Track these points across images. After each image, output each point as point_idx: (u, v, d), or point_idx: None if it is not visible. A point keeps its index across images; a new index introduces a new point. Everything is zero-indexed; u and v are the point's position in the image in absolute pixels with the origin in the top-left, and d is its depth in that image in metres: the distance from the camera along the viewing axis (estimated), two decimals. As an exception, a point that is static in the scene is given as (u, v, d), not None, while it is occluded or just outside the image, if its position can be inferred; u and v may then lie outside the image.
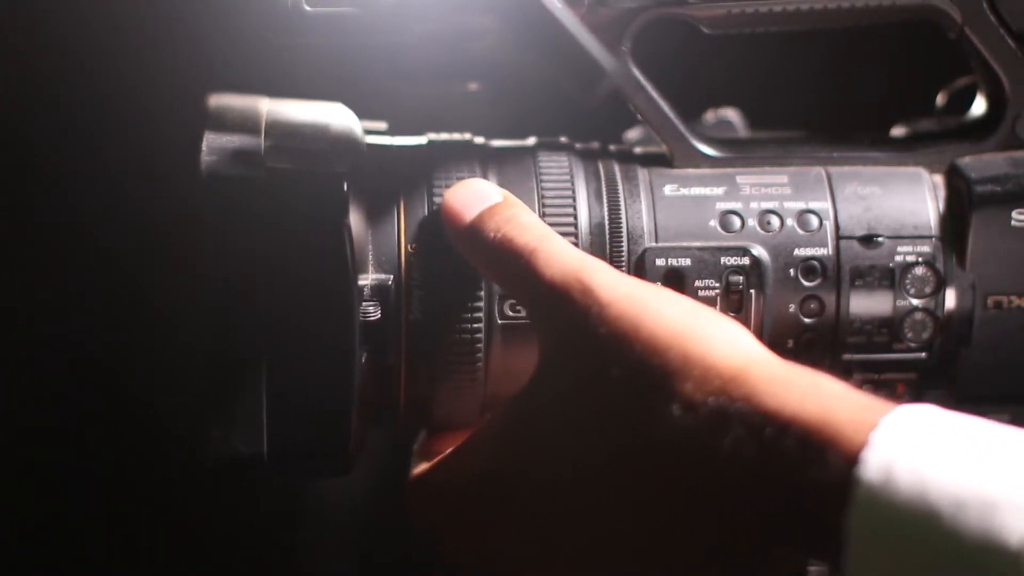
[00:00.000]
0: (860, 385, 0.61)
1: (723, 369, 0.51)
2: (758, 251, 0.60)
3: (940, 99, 0.70)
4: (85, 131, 0.86)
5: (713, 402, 0.50)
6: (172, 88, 0.81)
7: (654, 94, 0.62)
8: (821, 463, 0.47)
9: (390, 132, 0.65)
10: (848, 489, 0.46)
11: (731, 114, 0.70)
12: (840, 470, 0.46)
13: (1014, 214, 0.60)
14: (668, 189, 0.61)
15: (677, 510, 0.51)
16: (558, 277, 0.55)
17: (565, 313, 0.55)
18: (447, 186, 0.60)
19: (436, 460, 0.59)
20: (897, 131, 0.69)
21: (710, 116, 0.70)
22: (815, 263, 0.60)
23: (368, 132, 0.63)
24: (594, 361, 0.53)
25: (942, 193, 0.62)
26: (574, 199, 0.61)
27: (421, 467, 0.60)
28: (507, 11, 0.57)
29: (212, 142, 0.58)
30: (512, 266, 0.57)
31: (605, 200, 0.61)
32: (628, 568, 0.53)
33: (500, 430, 0.56)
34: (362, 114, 0.63)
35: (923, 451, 0.46)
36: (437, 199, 0.60)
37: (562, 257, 0.56)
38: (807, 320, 0.60)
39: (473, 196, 0.59)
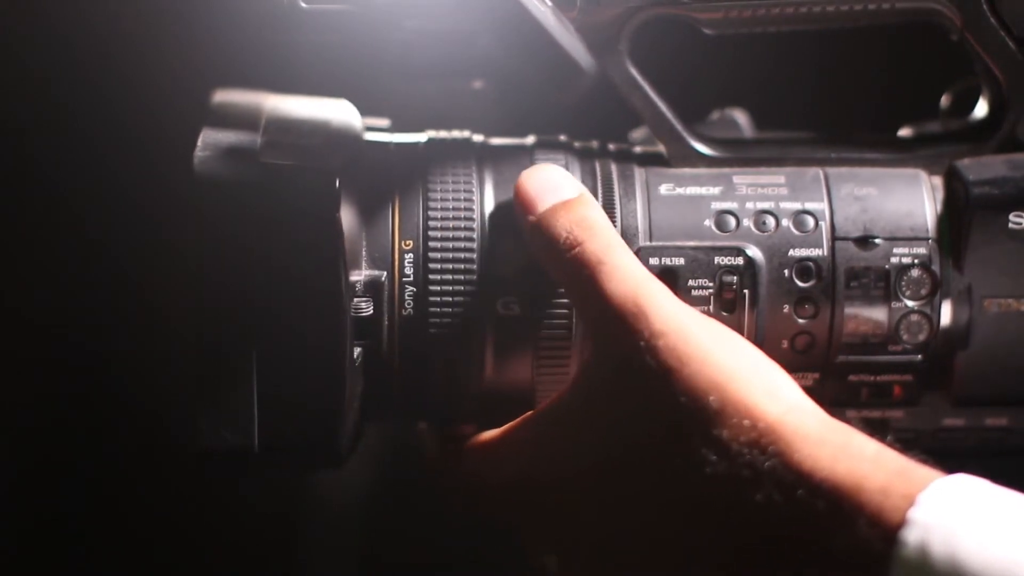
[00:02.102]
0: (857, 387, 0.61)
1: (759, 420, 0.51)
2: (753, 251, 0.60)
3: (944, 101, 0.69)
4: (82, 127, 0.86)
5: (747, 453, 0.51)
6: (170, 85, 0.81)
7: (651, 94, 0.62)
8: (852, 531, 0.48)
9: (393, 129, 0.65)
10: (886, 566, 0.46)
11: (738, 115, 0.70)
12: (876, 545, 0.47)
13: (1012, 217, 0.60)
14: (664, 188, 0.61)
15: (704, 556, 0.52)
16: (618, 296, 0.55)
17: (618, 333, 0.55)
18: (442, 184, 0.60)
19: (469, 449, 0.60)
20: (903, 133, 0.69)
21: (716, 116, 0.70)
22: (810, 264, 0.60)
23: (369, 129, 0.63)
24: (636, 393, 0.54)
25: (940, 195, 0.62)
26: (568, 197, 0.61)
27: (452, 458, 0.60)
28: (489, 10, 0.57)
29: (208, 138, 0.58)
30: (576, 274, 0.57)
31: (600, 198, 0.61)
32: None
33: (538, 435, 0.57)
34: (366, 111, 0.63)
35: (960, 535, 0.46)
36: (432, 196, 0.60)
37: (625, 273, 0.56)
38: (801, 321, 0.60)
39: (548, 185, 0.59)
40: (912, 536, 0.46)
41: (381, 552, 0.94)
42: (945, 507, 0.47)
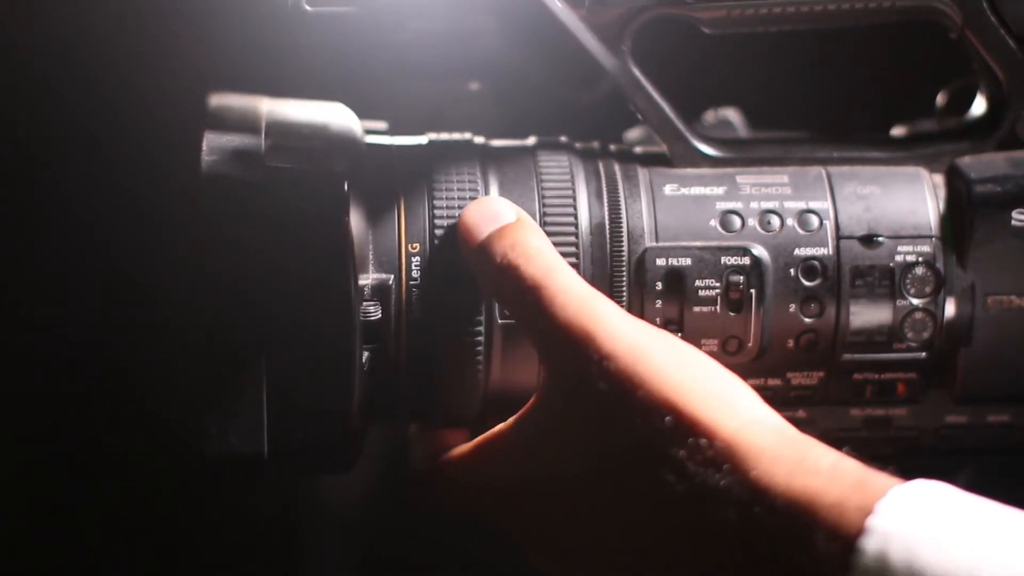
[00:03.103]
0: (861, 385, 0.62)
1: (715, 437, 0.51)
2: (758, 251, 0.60)
3: (940, 99, 0.70)
4: (85, 130, 0.86)
5: (703, 473, 0.51)
6: (173, 87, 0.81)
7: (654, 94, 0.62)
8: (810, 547, 0.48)
9: (390, 132, 0.65)
10: (847, 574, 0.46)
11: (731, 114, 0.70)
12: (835, 558, 0.47)
13: (1014, 214, 0.60)
14: (668, 189, 0.61)
15: (672, 568, 0.52)
16: (562, 318, 0.55)
17: (567, 357, 0.55)
18: (447, 186, 0.60)
19: (450, 460, 0.59)
20: (897, 131, 0.69)
21: (710, 116, 0.70)
22: (815, 263, 0.60)
23: (368, 132, 0.63)
24: (590, 417, 0.54)
25: (942, 193, 0.62)
26: (574, 199, 0.61)
27: (431, 462, 0.60)
28: (507, 10, 0.57)
29: (212, 141, 0.58)
30: (517, 298, 0.56)
31: (605, 200, 0.61)
32: None
33: (502, 449, 0.57)
34: (362, 114, 0.63)
35: (919, 541, 0.46)
36: (437, 199, 0.60)
37: (568, 296, 0.55)
38: (807, 320, 0.60)
39: (486, 215, 0.59)
40: (871, 544, 0.46)
41: (382, 552, 0.94)
42: (904, 514, 0.47)
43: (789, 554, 0.48)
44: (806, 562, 0.48)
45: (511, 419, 0.57)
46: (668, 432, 0.52)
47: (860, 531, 0.47)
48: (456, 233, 0.59)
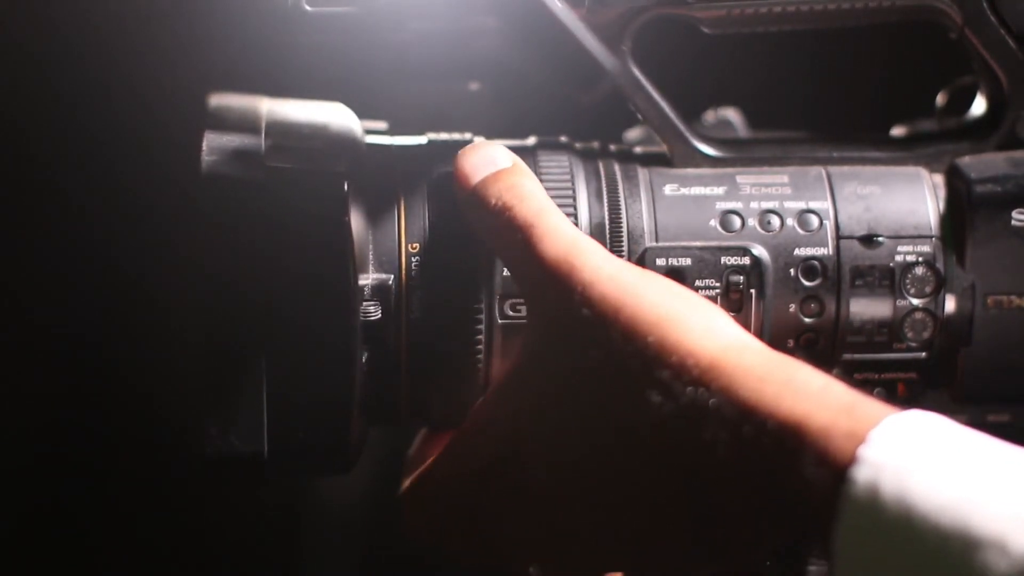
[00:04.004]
0: (861, 385, 0.62)
1: (700, 357, 0.51)
2: (758, 251, 0.60)
3: (940, 99, 0.70)
4: (86, 130, 0.86)
5: (691, 392, 0.50)
6: (173, 87, 0.81)
7: (654, 94, 0.62)
8: (797, 470, 0.47)
9: (390, 132, 0.65)
10: (836, 504, 0.46)
11: (731, 114, 0.70)
12: (823, 484, 0.46)
13: (1014, 214, 0.60)
14: (668, 189, 0.61)
15: (663, 494, 0.52)
16: (549, 255, 0.55)
17: (551, 292, 0.55)
18: (447, 185, 0.60)
19: (434, 457, 0.59)
20: (897, 131, 0.69)
21: (710, 116, 0.70)
22: (815, 263, 0.60)
23: (368, 132, 0.63)
24: (575, 343, 0.54)
25: (942, 193, 0.62)
26: (574, 199, 0.61)
27: (419, 470, 0.60)
28: (507, 10, 0.57)
29: (212, 141, 0.58)
30: (508, 238, 0.57)
31: (605, 200, 0.61)
32: (629, 553, 0.53)
33: (497, 414, 0.57)
34: (362, 114, 0.63)
35: (912, 473, 0.45)
36: (437, 199, 0.60)
37: (557, 235, 0.56)
38: (807, 320, 0.60)
39: (482, 160, 0.59)
40: (862, 475, 0.45)
41: (382, 552, 0.94)
42: (898, 444, 0.46)
43: (778, 476, 0.48)
44: (795, 485, 0.47)
45: (491, 388, 0.57)
46: (653, 353, 0.52)
47: (851, 460, 0.46)
48: (452, 180, 0.59)
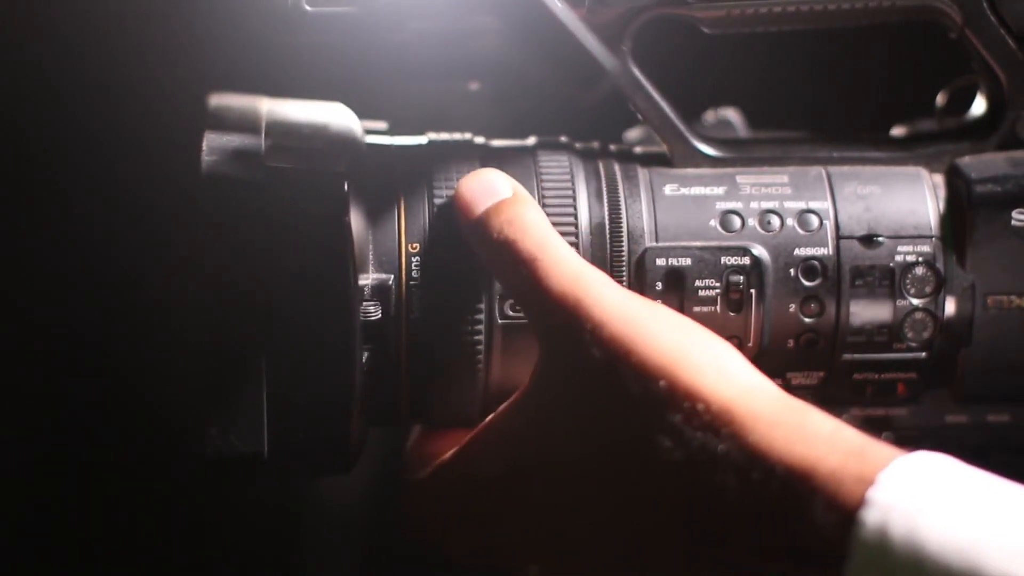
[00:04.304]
0: (861, 385, 0.62)
1: (712, 402, 0.51)
2: (758, 251, 0.60)
3: (940, 99, 0.70)
4: (86, 130, 0.86)
5: (701, 437, 0.50)
6: (173, 88, 0.81)
7: (654, 94, 0.62)
8: (808, 514, 0.47)
9: (390, 132, 0.65)
10: (846, 546, 0.46)
11: (731, 114, 0.70)
12: (834, 528, 0.47)
13: (1014, 214, 0.60)
14: (668, 189, 0.61)
15: (669, 535, 0.52)
16: (556, 290, 0.55)
17: (561, 328, 0.55)
18: (448, 186, 0.60)
19: (445, 459, 0.59)
20: (897, 131, 0.69)
21: (710, 116, 0.70)
22: (815, 263, 0.60)
23: (368, 132, 0.63)
24: (587, 383, 0.54)
25: (942, 193, 0.62)
26: (574, 199, 0.61)
27: (426, 468, 0.60)
28: (507, 10, 0.57)
29: (212, 142, 0.58)
30: (512, 271, 0.57)
31: (605, 200, 0.61)
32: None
33: (507, 430, 0.57)
34: (362, 114, 0.63)
35: (922, 515, 0.45)
36: (437, 199, 0.60)
37: (562, 268, 0.56)
38: (807, 320, 0.60)
39: (482, 189, 0.59)
40: (871, 517, 0.46)
41: (383, 551, 0.94)
42: (905, 486, 0.46)
43: (788, 521, 0.48)
44: (805, 530, 0.47)
45: (503, 406, 0.57)
46: (663, 397, 0.52)
47: (860, 502, 0.46)
48: (453, 207, 0.59)
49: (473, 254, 0.59)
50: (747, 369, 0.54)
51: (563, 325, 0.55)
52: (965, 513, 0.45)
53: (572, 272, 0.56)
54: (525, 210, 0.58)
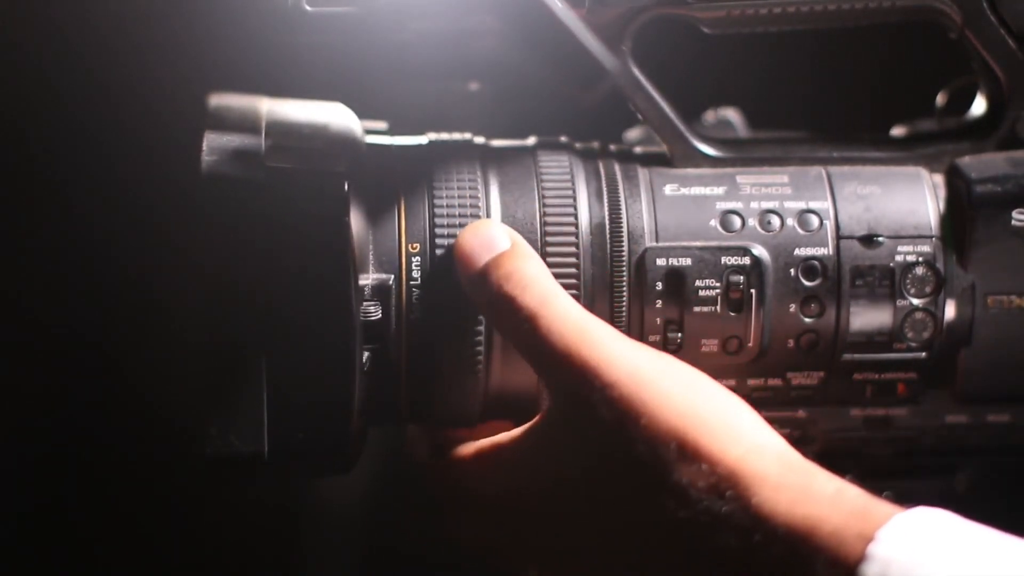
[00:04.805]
0: (862, 385, 0.62)
1: (718, 464, 0.51)
2: (759, 251, 0.60)
3: (940, 99, 0.70)
4: (86, 130, 0.86)
5: (705, 499, 0.51)
6: (172, 88, 0.81)
7: (654, 94, 0.62)
8: (811, 572, 0.48)
9: (390, 132, 0.65)
10: None
11: (731, 114, 0.70)
12: None
13: (1014, 214, 0.60)
14: (668, 189, 0.61)
15: None
16: (560, 348, 0.55)
17: (568, 387, 0.55)
18: (447, 186, 0.60)
19: (454, 456, 0.59)
20: (897, 131, 0.69)
21: (710, 116, 0.70)
22: (815, 263, 0.60)
23: (368, 132, 0.63)
24: (595, 441, 0.54)
25: (942, 193, 0.62)
26: (574, 199, 0.61)
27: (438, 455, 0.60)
28: (508, 10, 0.57)
29: (213, 142, 0.58)
30: (514, 328, 0.57)
31: (606, 200, 0.61)
32: None
33: (508, 457, 0.57)
34: (362, 114, 0.63)
35: (920, 569, 0.46)
36: (437, 199, 0.60)
37: (565, 324, 0.55)
38: (807, 320, 0.60)
39: (481, 242, 0.58)
40: (871, 571, 0.47)
41: (382, 551, 0.94)
42: (905, 541, 0.47)
43: None
44: None
45: (519, 429, 0.58)
46: (672, 459, 0.52)
47: (861, 558, 0.47)
48: (453, 258, 0.59)
49: None
50: (756, 425, 0.54)
51: (571, 384, 0.55)
52: (962, 566, 0.46)
53: (576, 329, 0.55)
54: (524, 263, 0.58)
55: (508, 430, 0.62)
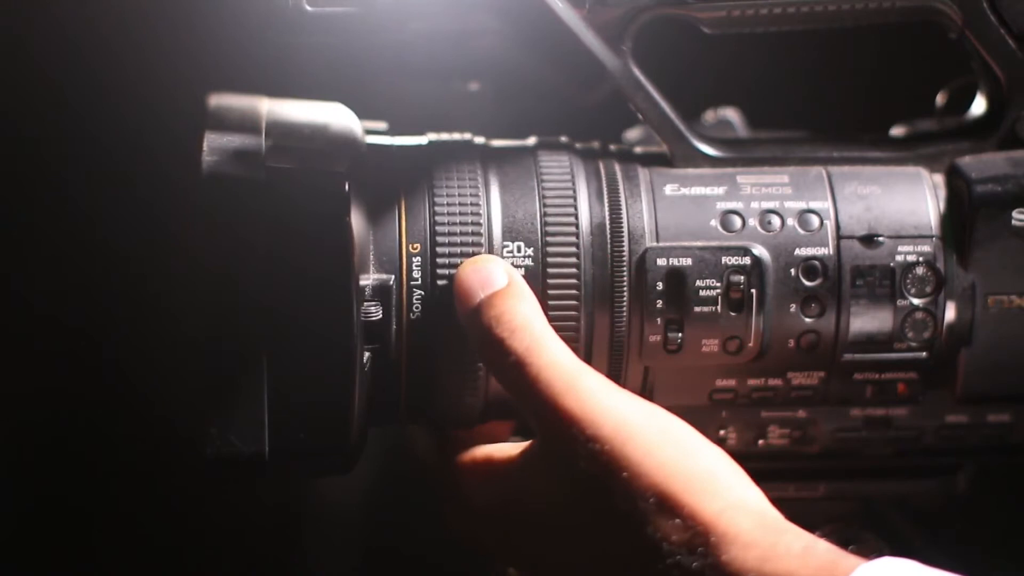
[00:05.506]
0: (862, 385, 0.62)
1: (693, 519, 0.52)
2: (759, 251, 0.60)
3: (940, 99, 0.70)
4: (86, 130, 0.86)
5: (678, 554, 0.51)
6: (172, 88, 0.81)
7: (654, 94, 0.62)
8: None
9: (390, 132, 0.65)
10: None
11: (731, 114, 0.70)
12: None
13: (1014, 214, 0.60)
14: (669, 189, 0.61)
15: None
16: (547, 397, 0.55)
17: (553, 437, 0.55)
18: (448, 186, 0.60)
19: (456, 462, 0.60)
20: (897, 131, 0.69)
21: (710, 116, 0.70)
22: (816, 263, 0.60)
23: (368, 132, 0.63)
24: (576, 488, 0.54)
25: (942, 193, 0.62)
26: (575, 199, 0.61)
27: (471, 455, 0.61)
28: (509, 9, 0.57)
29: (213, 142, 0.58)
30: (503, 370, 0.57)
31: (606, 200, 0.61)
32: None
33: (500, 476, 0.58)
34: (362, 114, 0.63)
35: None
36: (438, 199, 0.60)
37: (553, 372, 0.55)
38: (808, 320, 0.60)
39: (479, 278, 0.58)
40: None
41: (382, 551, 0.94)
42: None
43: None
44: None
45: (511, 447, 0.58)
46: (649, 512, 0.52)
47: None
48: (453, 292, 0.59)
49: (475, 254, 0.59)
50: (738, 483, 0.54)
51: (556, 434, 0.55)
52: None
53: (564, 378, 0.55)
54: (516, 304, 0.57)
55: (507, 431, 0.63)
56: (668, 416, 0.56)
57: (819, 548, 0.51)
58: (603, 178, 0.62)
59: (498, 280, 0.58)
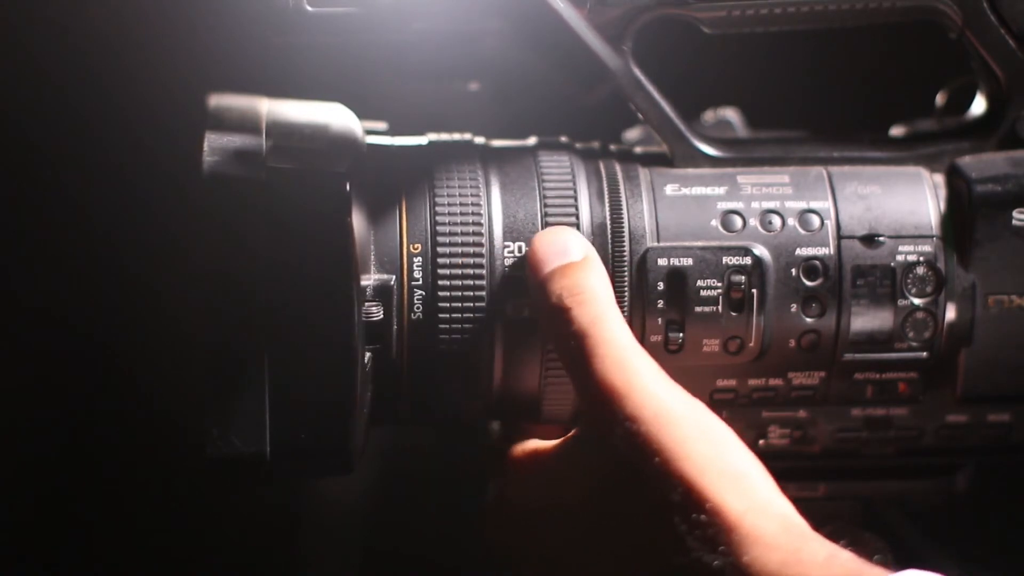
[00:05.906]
0: (862, 385, 0.62)
1: (718, 517, 0.52)
2: (760, 251, 0.60)
3: (940, 99, 0.70)
4: (86, 130, 0.86)
5: (700, 550, 0.51)
6: (172, 88, 0.81)
7: (655, 94, 0.62)
8: None
9: (390, 132, 0.65)
10: None
11: (731, 114, 0.70)
12: None
13: (1015, 214, 0.60)
14: (669, 189, 0.61)
15: None
16: (599, 372, 0.55)
17: (596, 411, 0.55)
18: (448, 186, 0.60)
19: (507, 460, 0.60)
20: (897, 131, 0.69)
21: (710, 116, 0.70)
22: (816, 263, 0.60)
23: (368, 132, 0.63)
24: (609, 471, 0.54)
25: (943, 193, 0.62)
26: (576, 199, 0.61)
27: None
28: (510, 9, 0.57)
29: (214, 142, 0.58)
30: (563, 340, 0.57)
31: (607, 200, 0.61)
32: None
33: (543, 470, 0.58)
34: (362, 114, 0.63)
35: None
36: (438, 199, 0.60)
37: (609, 349, 0.56)
38: (808, 320, 0.60)
39: (553, 249, 0.58)
40: None
41: (382, 551, 0.94)
42: None
43: None
44: None
45: (556, 441, 0.58)
46: (675, 504, 0.52)
47: None
48: (525, 260, 0.59)
49: (476, 254, 0.59)
50: (766, 486, 0.54)
51: (599, 409, 0.55)
52: None
53: (619, 357, 0.55)
54: (587, 277, 0.58)
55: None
56: (709, 413, 0.56)
57: (842, 557, 0.51)
58: (604, 178, 0.62)
59: (574, 252, 0.58)
